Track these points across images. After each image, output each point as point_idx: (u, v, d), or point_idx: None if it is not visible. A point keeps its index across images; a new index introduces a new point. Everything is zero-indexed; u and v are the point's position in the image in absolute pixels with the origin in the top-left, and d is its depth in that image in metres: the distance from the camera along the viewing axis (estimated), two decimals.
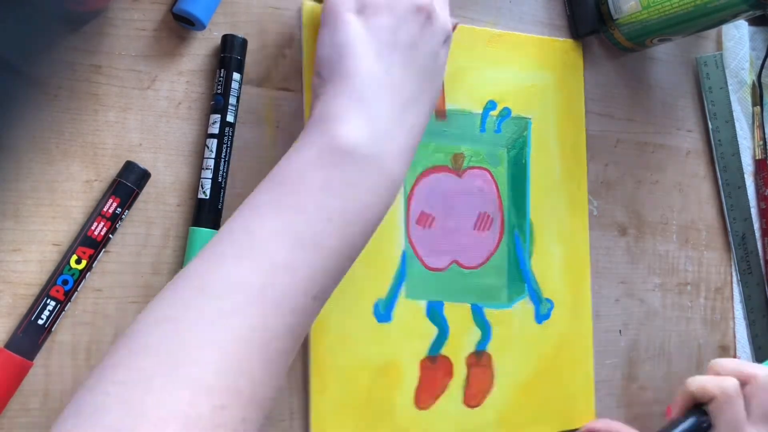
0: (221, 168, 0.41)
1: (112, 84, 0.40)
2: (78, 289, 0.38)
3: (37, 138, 0.38)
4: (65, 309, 0.37)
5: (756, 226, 0.64)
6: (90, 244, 0.38)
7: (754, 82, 0.65)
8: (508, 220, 0.52)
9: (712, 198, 0.63)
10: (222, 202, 0.41)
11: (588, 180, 0.56)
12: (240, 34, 0.43)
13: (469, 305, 0.50)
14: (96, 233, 0.38)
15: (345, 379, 0.45)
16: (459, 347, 0.49)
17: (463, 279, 0.50)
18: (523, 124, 0.53)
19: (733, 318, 0.64)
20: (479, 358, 0.50)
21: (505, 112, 0.52)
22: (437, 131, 0.49)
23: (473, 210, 0.50)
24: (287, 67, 0.45)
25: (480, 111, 0.51)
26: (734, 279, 0.64)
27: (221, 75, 0.42)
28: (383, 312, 0.47)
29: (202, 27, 0.41)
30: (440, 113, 0.50)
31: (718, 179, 0.64)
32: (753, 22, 0.65)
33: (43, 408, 0.38)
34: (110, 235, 0.39)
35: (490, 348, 0.50)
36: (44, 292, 0.37)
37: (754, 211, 0.64)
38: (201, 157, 0.42)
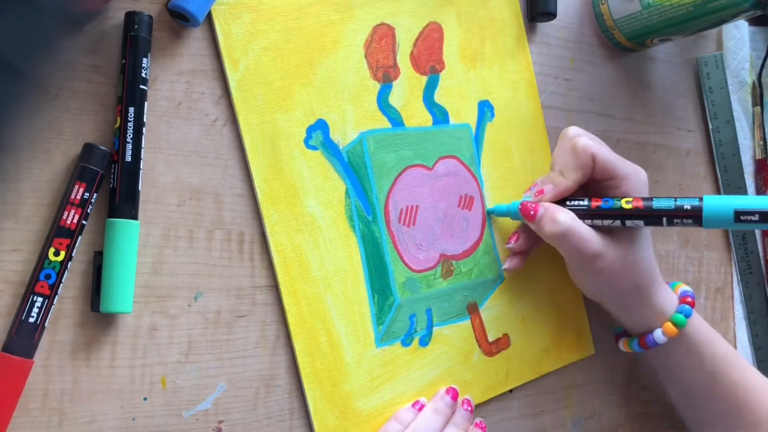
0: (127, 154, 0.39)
1: (111, 84, 0.40)
2: (62, 281, 0.37)
3: (37, 138, 0.38)
4: (54, 302, 0.37)
5: None
6: (65, 234, 0.37)
7: (754, 82, 0.65)
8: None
9: None
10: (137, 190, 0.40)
11: None
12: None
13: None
14: (68, 222, 0.37)
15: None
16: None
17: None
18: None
19: (734, 318, 0.64)
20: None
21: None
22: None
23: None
24: None
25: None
26: (734, 279, 0.64)
27: (129, 56, 0.39)
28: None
29: (197, 23, 0.41)
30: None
31: (719, 179, 0.64)
32: (753, 22, 0.65)
33: (43, 408, 0.38)
34: (84, 222, 0.38)
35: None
36: (29, 290, 0.37)
37: None
38: (201, 157, 0.42)
